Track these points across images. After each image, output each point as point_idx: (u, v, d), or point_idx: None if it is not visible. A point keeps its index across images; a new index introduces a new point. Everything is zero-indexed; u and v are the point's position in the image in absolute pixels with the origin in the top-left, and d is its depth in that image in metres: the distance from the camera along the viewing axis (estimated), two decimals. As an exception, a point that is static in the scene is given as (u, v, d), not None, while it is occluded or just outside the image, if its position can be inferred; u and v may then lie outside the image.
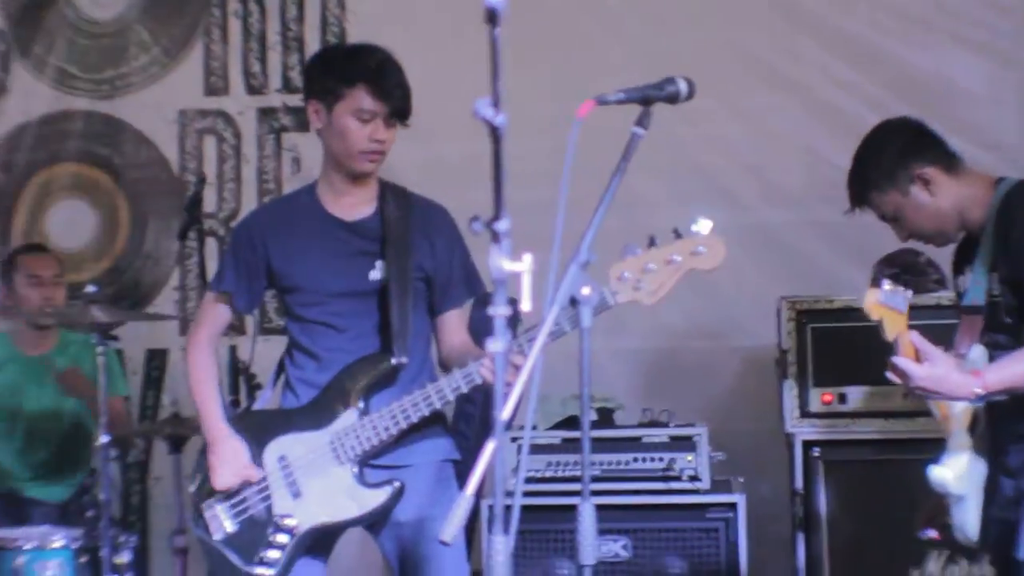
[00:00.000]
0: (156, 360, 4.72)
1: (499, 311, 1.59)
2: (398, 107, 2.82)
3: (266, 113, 4.78)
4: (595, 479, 2.46)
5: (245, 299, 2.95)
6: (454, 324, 2.92)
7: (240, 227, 3.13)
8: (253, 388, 3.62)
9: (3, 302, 4.35)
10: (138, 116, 4.83)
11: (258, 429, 2.85)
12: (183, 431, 3.82)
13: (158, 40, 4.82)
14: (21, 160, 4.86)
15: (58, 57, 4.86)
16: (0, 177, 4.82)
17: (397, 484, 2.74)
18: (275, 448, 2.82)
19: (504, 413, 1.76)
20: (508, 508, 1.78)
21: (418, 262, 2.84)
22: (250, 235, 2.95)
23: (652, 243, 2.48)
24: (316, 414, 2.81)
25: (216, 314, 3.00)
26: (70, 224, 4.84)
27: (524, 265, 1.59)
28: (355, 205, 2.89)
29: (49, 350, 4.26)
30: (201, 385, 2.90)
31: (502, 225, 1.57)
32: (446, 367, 2.83)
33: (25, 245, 4.47)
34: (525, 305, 1.62)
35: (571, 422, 3.75)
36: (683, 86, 2.23)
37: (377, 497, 2.76)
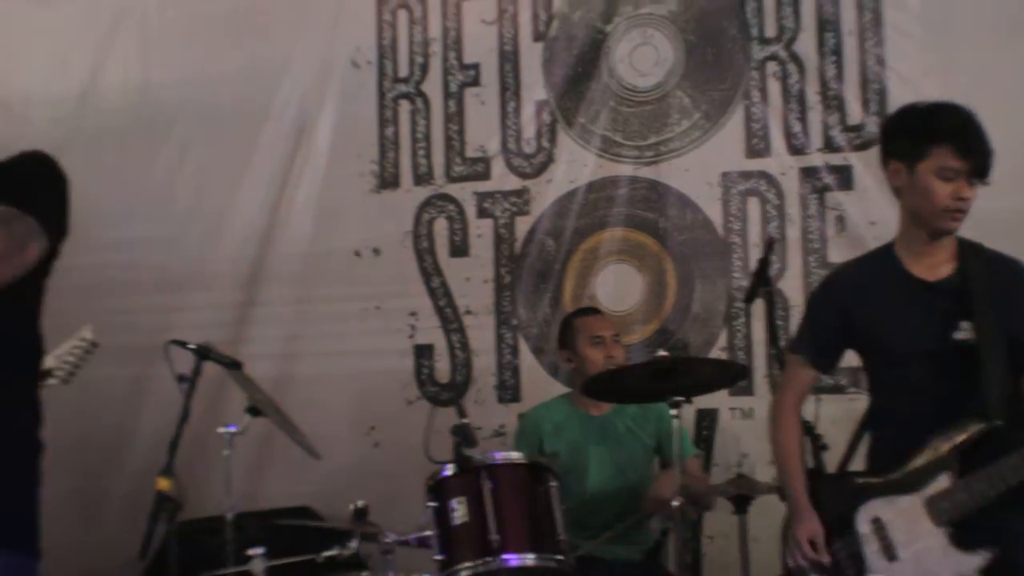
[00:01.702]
0: (706, 420, 5.00)
1: None
2: (981, 165, 2.97)
3: (808, 173, 5.03)
4: None
5: (827, 360, 3.16)
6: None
7: (821, 290, 3.36)
8: (819, 449, 3.83)
9: (565, 365, 4.79)
10: (681, 180, 5.26)
11: (850, 492, 3.05)
12: (749, 491, 4.05)
13: (699, 105, 5.18)
14: (569, 227, 5.32)
15: (602, 126, 5.31)
16: (550, 244, 5.28)
17: (993, 551, 2.85)
18: (868, 511, 3.01)
19: None
20: None
21: (1003, 321, 2.95)
22: (831, 298, 3.19)
23: None
24: (908, 477, 2.97)
25: (800, 377, 3.23)
26: (618, 287, 5.27)
27: None
28: (936, 265, 3.08)
29: (609, 411, 4.64)
30: (790, 456, 3.15)
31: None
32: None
33: (582, 308, 4.91)
34: None
35: None
36: None
37: (972, 561, 2.88)
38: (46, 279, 2.89)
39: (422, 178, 5.46)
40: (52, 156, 2.87)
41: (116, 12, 5.88)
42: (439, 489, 3.94)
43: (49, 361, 4.55)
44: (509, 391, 5.35)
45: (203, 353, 4.47)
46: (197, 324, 5.26)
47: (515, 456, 4.08)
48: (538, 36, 5.42)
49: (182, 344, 4.51)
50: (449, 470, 3.94)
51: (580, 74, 5.37)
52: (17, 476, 2.81)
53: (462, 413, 4.00)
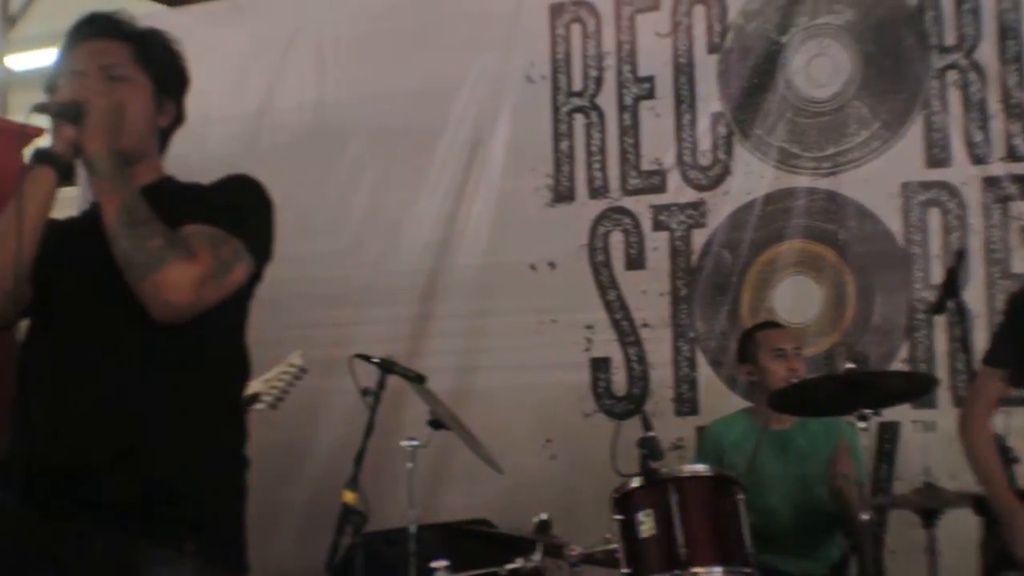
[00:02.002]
0: (888, 433, 5.00)
1: None
2: None
3: (990, 182, 5.03)
4: None
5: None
6: None
7: (1016, 299, 3.34)
8: (1010, 462, 3.81)
9: (745, 378, 4.81)
10: (860, 191, 5.28)
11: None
12: (937, 502, 4.04)
13: (877, 115, 5.21)
14: (746, 239, 5.38)
15: (779, 137, 5.33)
16: (727, 256, 5.31)
17: None
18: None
19: None
20: None
21: None
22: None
23: None
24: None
25: (991, 390, 3.24)
26: (797, 300, 5.30)
27: None
28: None
29: (789, 426, 4.66)
30: (988, 460, 3.16)
31: None
32: None
33: (764, 322, 4.93)
34: None
35: None
36: None
37: None
38: (250, 300, 2.99)
39: (597, 191, 5.54)
40: (258, 181, 2.98)
41: (292, 32, 6.07)
42: (625, 502, 4.01)
43: (257, 386, 4.71)
44: (687, 404, 5.39)
45: (387, 367, 4.59)
46: (374, 338, 5.40)
47: (701, 468, 4.14)
48: (713, 48, 5.47)
49: (366, 358, 4.64)
50: (635, 483, 3.99)
51: (756, 86, 5.41)
52: (225, 493, 2.89)
53: (648, 426, 4.06)
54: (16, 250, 2.74)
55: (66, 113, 2.75)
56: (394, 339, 5.53)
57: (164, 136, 3.04)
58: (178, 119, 3.05)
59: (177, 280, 2.68)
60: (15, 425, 2.90)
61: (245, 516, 2.92)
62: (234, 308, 2.91)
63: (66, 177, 2.82)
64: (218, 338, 2.89)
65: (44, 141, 2.84)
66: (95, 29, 2.94)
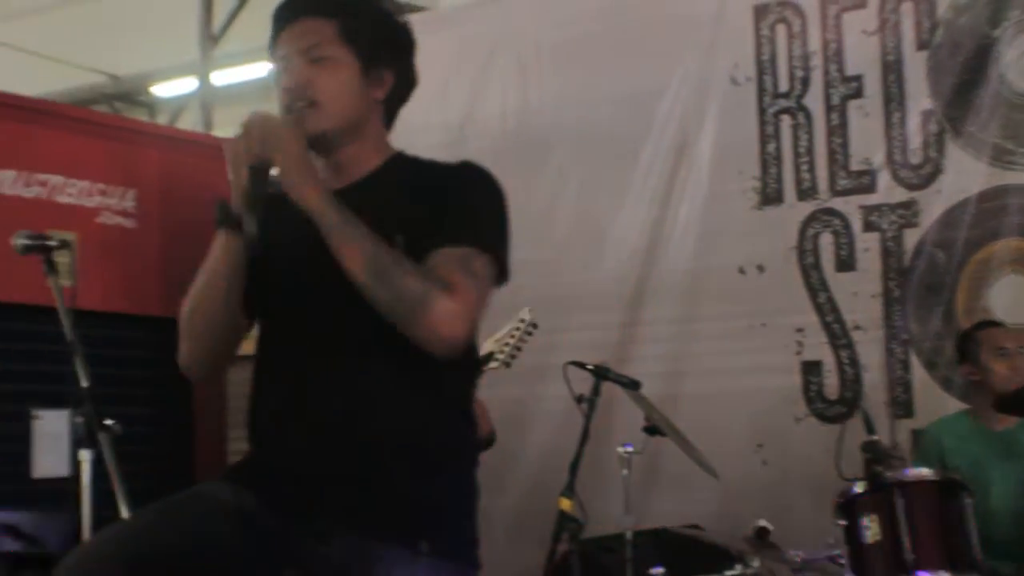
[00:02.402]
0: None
1: None
2: None
3: None
4: None
5: None
6: None
7: None
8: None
9: (967, 379, 4.77)
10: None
11: None
12: None
13: None
14: (960, 238, 5.32)
15: (993, 134, 5.28)
16: (940, 256, 5.25)
17: None
18: None
19: None
20: None
21: None
22: None
23: None
24: None
25: None
26: (1014, 299, 5.26)
27: None
28: None
29: (1013, 426, 4.61)
30: None
31: None
32: None
33: (985, 321, 4.89)
34: None
35: None
36: None
37: None
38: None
39: (806, 193, 5.52)
40: (490, 174, 2.90)
41: (495, 39, 6.18)
42: (849, 507, 4.00)
43: (489, 345, 4.79)
44: (901, 407, 5.34)
45: (601, 373, 4.64)
46: (582, 344, 5.47)
47: (926, 472, 4.11)
48: (922, 45, 5.40)
49: (580, 365, 4.69)
50: (859, 487, 3.99)
51: (967, 81, 5.33)
52: (458, 492, 2.92)
53: (871, 429, 4.06)
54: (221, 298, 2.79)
55: (260, 185, 2.72)
56: (602, 345, 5.59)
57: (389, 107, 2.97)
58: (404, 85, 2.95)
59: (448, 315, 2.65)
60: (252, 428, 2.96)
61: (477, 514, 2.95)
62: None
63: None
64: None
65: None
66: (298, 8, 2.89)
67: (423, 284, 2.66)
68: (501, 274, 2.85)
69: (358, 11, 2.90)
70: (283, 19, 2.90)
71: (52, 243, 3.95)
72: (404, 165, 2.95)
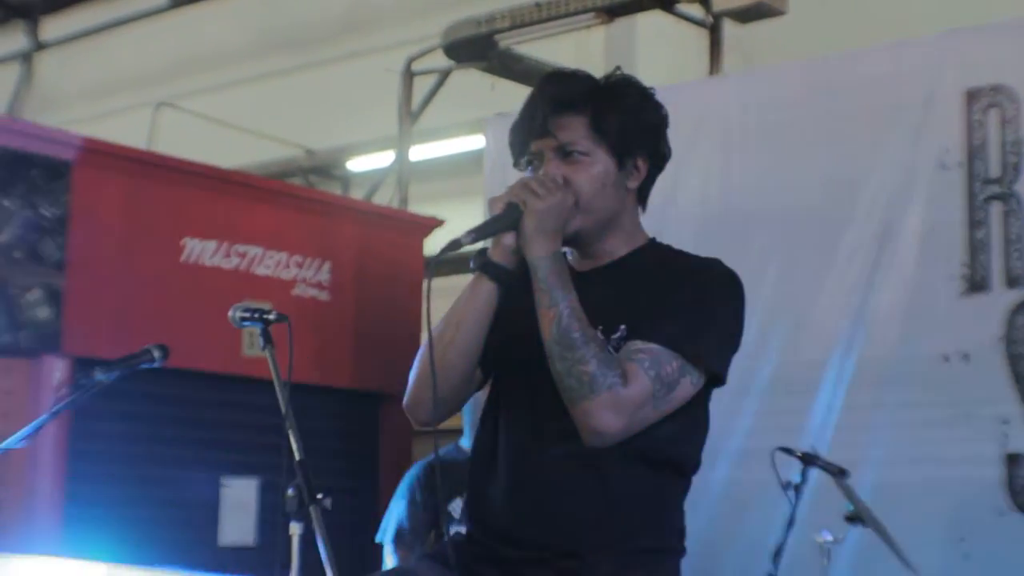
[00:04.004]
0: None
1: None
2: None
3: None
4: None
5: None
6: None
7: None
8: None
9: None
10: None
11: None
12: None
13: None
14: None
15: None
16: None
17: None
18: None
19: None
20: None
21: None
22: None
23: None
24: None
25: None
26: None
27: None
28: None
29: None
30: None
31: None
32: None
33: None
34: None
35: None
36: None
37: None
38: (704, 410, 3.07)
39: (1015, 281, 5.50)
40: (736, 279, 3.01)
41: (696, 122, 6.29)
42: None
43: None
44: (1112, 502, 5.26)
45: (809, 460, 4.69)
46: (778, 428, 5.52)
47: None
48: None
49: (789, 451, 4.75)
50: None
51: None
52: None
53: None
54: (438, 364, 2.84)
55: (503, 220, 2.83)
56: (800, 431, 5.63)
57: (643, 190, 3.07)
58: (657, 165, 3.06)
59: (607, 409, 2.72)
60: (470, 494, 3.11)
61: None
62: (686, 417, 2.95)
63: (508, 285, 2.91)
64: (669, 446, 2.95)
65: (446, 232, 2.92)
66: (551, 105, 2.96)
67: (599, 373, 2.72)
68: (712, 380, 2.93)
69: (607, 104, 2.97)
70: (536, 116, 2.97)
71: (271, 316, 4.07)
72: (652, 253, 3.04)
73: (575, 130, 2.93)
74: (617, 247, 3.02)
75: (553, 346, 2.76)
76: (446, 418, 3.06)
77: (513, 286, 2.92)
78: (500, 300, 2.95)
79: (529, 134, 2.98)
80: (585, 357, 2.73)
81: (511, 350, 3.01)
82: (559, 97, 2.95)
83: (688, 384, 2.85)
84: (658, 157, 3.06)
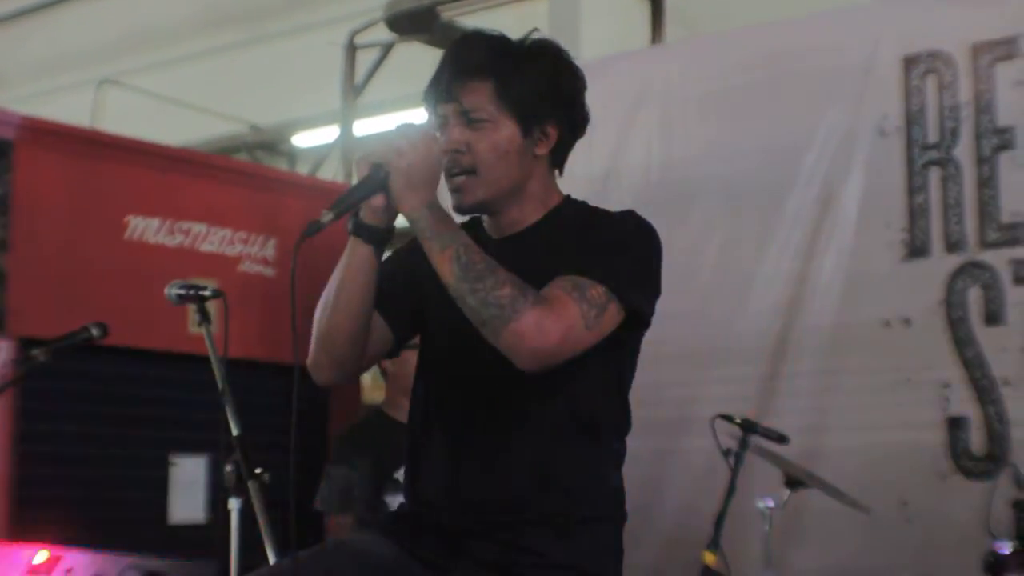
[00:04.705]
0: None
1: None
2: None
3: None
4: None
5: None
6: None
7: None
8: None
9: None
10: None
11: None
12: None
13: None
14: None
15: None
16: None
17: None
18: None
19: None
20: None
21: None
22: None
23: None
24: None
25: None
26: None
27: None
28: None
29: None
30: None
31: None
32: None
33: None
34: None
35: None
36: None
37: None
38: (631, 355, 3.02)
39: (954, 246, 5.55)
40: (650, 226, 2.94)
41: (639, 91, 6.31)
42: (997, 567, 4.04)
43: None
44: (1052, 464, 5.32)
45: (749, 427, 4.74)
46: (722, 398, 5.55)
47: (1079, 532, 4.14)
48: (1076, 95, 5.43)
49: (728, 419, 4.79)
50: (1007, 547, 4.03)
51: None
52: (600, 558, 2.98)
53: (1021, 486, 4.08)
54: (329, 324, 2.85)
55: (367, 186, 2.76)
56: (742, 399, 5.65)
57: (557, 154, 3.02)
58: (572, 130, 3.02)
59: (537, 325, 2.66)
60: (407, 466, 3.09)
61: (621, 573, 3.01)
62: (613, 363, 2.94)
63: (386, 243, 2.86)
64: (597, 397, 2.94)
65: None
66: (456, 70, 2.92)
67: (517, 293, 2.66)
68: (633, 317, 2.87)
69: (514, 71, 2.93)
70: (442, 80, 2.94)
71: (206, 293, 4.03)
72: (567, 211, 3.02)
73: (479, 96, 2.90)
74: (529, 213, 2.99)
75: (460, 284, 2.68)
76: (350, 380, 3.04)
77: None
78: (406, 259, 2.99)
79: (436, 98, 2.94)
80: (498, 281, 2.67)
81: (430, 310, 3.00)
82: (465, 62, 2.92)
83: (615, 311, 2.79)
84: (572, 123, 3.03)
